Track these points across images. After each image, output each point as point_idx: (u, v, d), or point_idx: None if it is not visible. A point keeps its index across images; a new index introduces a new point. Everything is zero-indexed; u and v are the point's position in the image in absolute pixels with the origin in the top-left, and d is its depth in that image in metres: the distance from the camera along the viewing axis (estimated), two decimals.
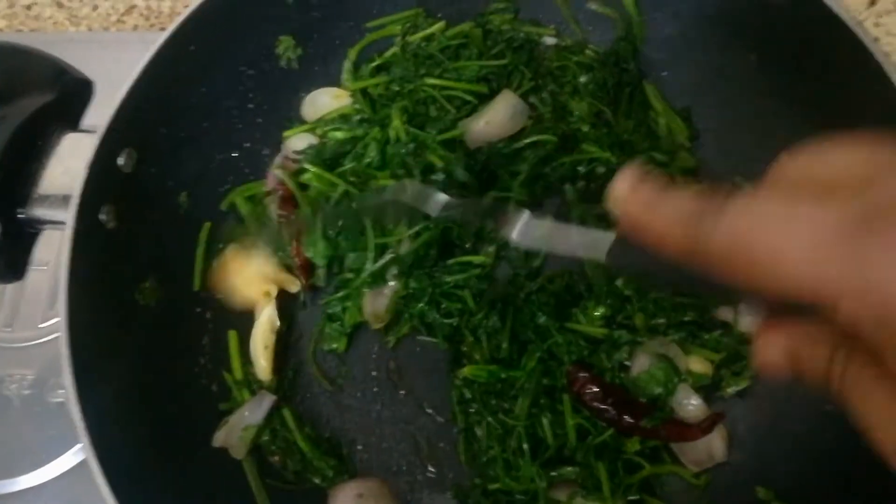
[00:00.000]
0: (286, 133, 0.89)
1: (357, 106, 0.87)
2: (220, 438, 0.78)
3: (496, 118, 0.84)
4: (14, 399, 0.93)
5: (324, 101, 0.89)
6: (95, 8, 1.26)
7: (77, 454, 0.90)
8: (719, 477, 0.78)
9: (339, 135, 0.86)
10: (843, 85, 0.73)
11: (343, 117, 0.87)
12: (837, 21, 0.70)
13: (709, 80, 0.87)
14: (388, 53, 0.90)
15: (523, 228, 0.53)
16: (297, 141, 0.88)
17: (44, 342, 0.95)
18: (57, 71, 0.74)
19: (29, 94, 0.72)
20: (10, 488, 0.89)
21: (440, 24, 0.90)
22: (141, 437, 0.71)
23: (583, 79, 0.88)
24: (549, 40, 0.92)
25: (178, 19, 0.76)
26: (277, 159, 0.88)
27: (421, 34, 0.90)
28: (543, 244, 0.55)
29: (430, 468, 0.82)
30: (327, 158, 0.85)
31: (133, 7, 1.26)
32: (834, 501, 0.71)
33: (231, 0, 0.79)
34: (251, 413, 0.79)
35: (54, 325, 0.96)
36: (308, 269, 0.84)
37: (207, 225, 0.84)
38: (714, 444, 0.78)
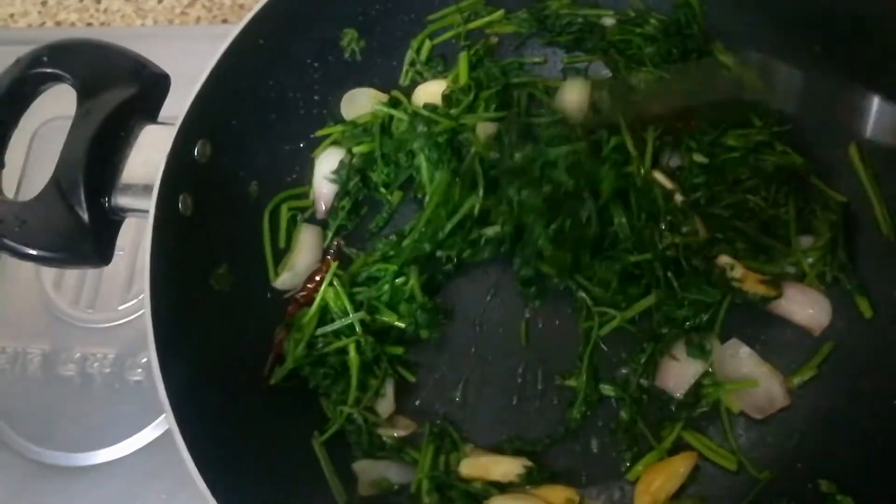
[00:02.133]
0: (316, 151, 0.90)
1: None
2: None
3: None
4: (96, 377, 0.99)
5: (361, 102, 0.91)
6: (160, 1, 1.32)
7: (154, 430, 0.95)
8: (782, 469, 0.78)
9: (363, 148, 0.87)
10: None
11: (366, 131, 0.88)
12: None
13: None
14: (446, 36, 0.92)
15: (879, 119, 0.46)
16: (327, 159, 0.89)
17: (123, 323, 1.01)
18: (137, 66, 0.78)
19: (111, 88, 0.77)
20: (92, 460, 0.95)
21: (500, 13, 0.91)
22: (220, 411, 0.74)
23: (648, 50, 0.88)
24: (608, 21, 0.91)
25: (248, 15, 0.79)
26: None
27: (480, 21, 0.91)
28: None
29: None
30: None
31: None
32: None
33: None
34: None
35: (132, 307, 1.02)
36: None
37: (266, 217, 0.87)
38: (773, 389, 0.79)
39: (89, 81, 0.76)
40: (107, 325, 1.01)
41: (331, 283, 0.82)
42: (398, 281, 0.81)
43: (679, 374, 0.80)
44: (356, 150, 0.87)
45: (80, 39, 0.78)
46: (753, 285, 0.80)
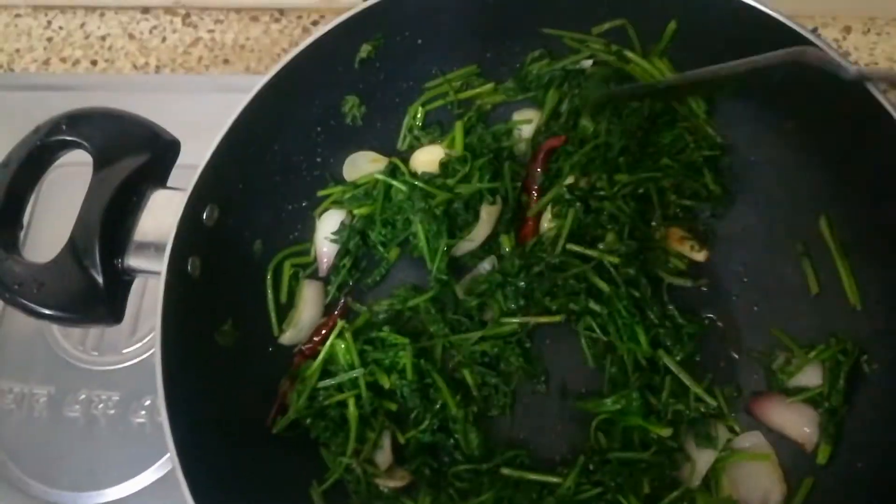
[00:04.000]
0: (317, 211, 0.95)
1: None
2: None
3: None
4: (101, 418, 1.02)
5: (362, 164, 0.95)
6: (164, 40, 1.36)
7: (156, 471, 0.99)
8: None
9: (363, 211, 0.92)
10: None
11: (367, 193, 0.93)
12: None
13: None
14: (440, 103, 0.98)
15: None
16: (329, 220, 0.94)
17: (127, 366, 1.05)
18: (151, 134, 0.82)
19: (126, 155, 0.81)
20: (95, 500, 0.98)
21: (490, 86, 0.97)
22: (222, 459, 0.78)
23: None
24: (586, 63, 0.96)
25: (256, 87, 0.83)
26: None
27: (471, 92, 0.97)
28: None
29: None
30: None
31: (198, 39, 1.35)
32: None
33: (303, 65, 0.85)
34: None
35: (136, 350, 1.06)
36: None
37: (269, 274, 0.91)
38: (772, 491, 0.81)
39: (106, 149, 0.80)
40: (111, 367, 1.05)
41: (340, 336, 0.86)
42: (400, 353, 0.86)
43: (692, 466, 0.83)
44: (357, 212, 0.92)
45: (99, 109, 0.82)
46: (677, 243, 0.86)
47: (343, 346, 0.86)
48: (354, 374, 0.85)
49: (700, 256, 0.90)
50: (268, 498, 0.83)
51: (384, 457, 0.86)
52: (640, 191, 0.89)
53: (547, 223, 0.90)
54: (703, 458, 0.83)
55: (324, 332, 0.90)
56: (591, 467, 0.81)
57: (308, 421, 0.86)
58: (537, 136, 0.96)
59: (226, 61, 1.34)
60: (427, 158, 0.92)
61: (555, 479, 0.81)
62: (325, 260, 0.93)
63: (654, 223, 0.89)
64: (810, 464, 0.82)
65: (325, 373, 0.87)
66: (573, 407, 0.87)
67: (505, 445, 0.86)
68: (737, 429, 0.85)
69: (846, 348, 0.81)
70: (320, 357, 0.87)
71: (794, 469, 0.83)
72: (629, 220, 0.86)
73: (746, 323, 0.89)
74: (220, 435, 0.80)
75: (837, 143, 0.84)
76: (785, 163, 0.89)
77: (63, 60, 1.37)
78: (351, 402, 0.85)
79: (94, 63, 1.37)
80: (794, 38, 0.77)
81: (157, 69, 1.35)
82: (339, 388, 0.86)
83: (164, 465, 0.99)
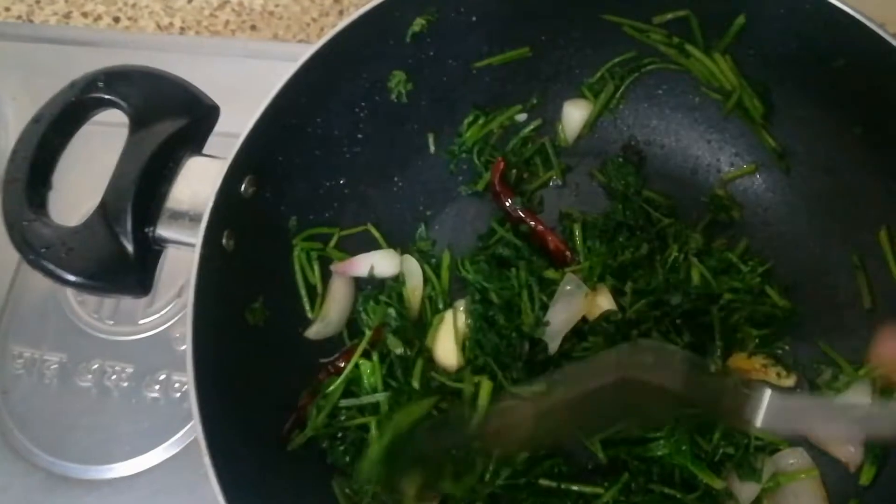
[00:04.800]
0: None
1: None
2: None
3: None
4: (113, 390, 0.99)
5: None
6: (190, 1, 1.31)
7: (168, 449, 0.95)
8: None
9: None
10: None
11: None
12: None
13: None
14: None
15: (771, 411, 0.46)
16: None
17: (143, 338, 1.01)
18: (191, 97, 0.78)
19: (164, 118, 0.77)
20: (104, 475, 0.95)
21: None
22: (248, 440, 0.75)
23: None
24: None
25: (304, 55, 0.79)
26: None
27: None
28: (799, 426, 0.48)
29: None
30: None
31: (226, 2, 1.31)
32: None
33: (354, 36, 0.81)
34: None
35: (153, 322, 1.02)
36: None
37: (297, 251, 0.87)
38: None
39: (143, 110, 0.76)
40: (127, 338, 1.01)
41: (366, 356, 0.83)
42: None
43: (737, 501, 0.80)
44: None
45: (137, 67, 0.78)
46: (760, 373, 0.82)
47: (368, 368, 0.83)
48: (378, 397, 0.81)
49: (789, 382, 0.84)
50: (290, 482, 0.80)
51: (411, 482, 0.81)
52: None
53: None
54: (746, 493, 0.80)
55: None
56: (633, 486, 0.78)
57: (325, 443, 0.83)
58: None
59: (253, 27, 1.29)
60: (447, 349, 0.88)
61: (597, 490, 0.78)
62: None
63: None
64: (854, 484, 0.79)
65: (349, 393, 0.84)
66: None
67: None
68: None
69: None
70: (344, 374, 0.83)
71: (837, 489, 0.80)
72: None
73: (793, 336, 0.86)
74: (246, 415, 0.76)
75: None
76: (847, 171, 0.86)
77: (84, 15, 1.32)
78: (373, 426, 0.81)
79: (116, 20, 1.32)
80: (875, 42, 0.73)
81: (182, 31, 1.30)
82: (361, 410, 0.82)
83: (177, 442, 0.95)
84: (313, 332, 0.87)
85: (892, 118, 0.79)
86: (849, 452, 0.80)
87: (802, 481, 0.80)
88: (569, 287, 0.84)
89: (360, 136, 0.90)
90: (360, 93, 0.88)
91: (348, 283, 0.90)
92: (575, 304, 0.83)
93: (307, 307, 0.87)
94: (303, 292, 0.87)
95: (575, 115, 0.96)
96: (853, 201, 0.86)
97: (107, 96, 0.76)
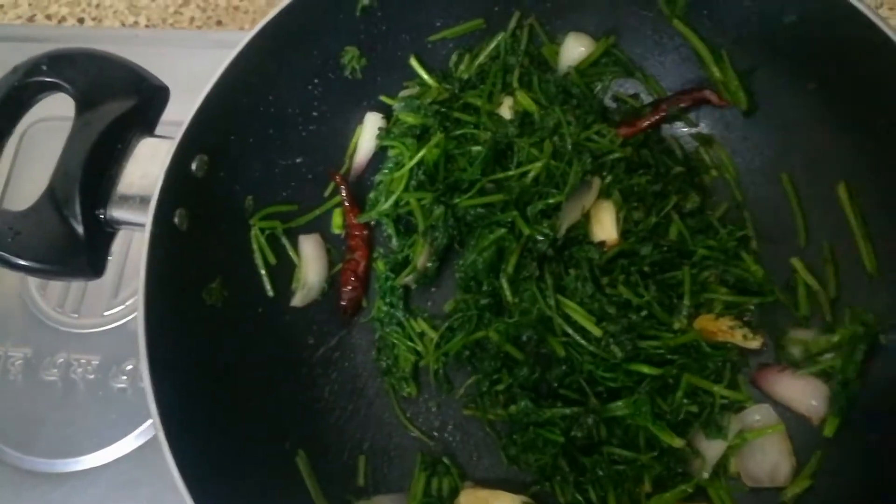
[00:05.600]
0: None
1: None
2: None
3: None
4: (80, 383, 0.98)
5: None
6: None
7: (137, 438, 0.95)
8: None
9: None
10: None
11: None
12: None
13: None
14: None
15: None
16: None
17: (108, 329, 1.00)
18: (137, 78, 0.78)
19: (110, 99, 0.76)
20: (73, 467, 0.94)
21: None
22: (207, 423, 0.74)
23: None
24: None
25: (252, 32, 0.79)
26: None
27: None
28: None
29: None
30: None
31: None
32: None
33: (303, 11, 0.81)
34: None
35: (118, 313, 1.01)
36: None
37: (255, 230, 0.86)
38: (782, 468, 0.78)
39: (88, 92, 0.75)
40: (92, 330, 1.00)
41: None
42: None
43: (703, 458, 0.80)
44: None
45: (81, 49, 0.77)
46: (727, 335, 0.81)
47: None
48: None
49: (755, 344, 0.83)
50: (254, 465, 0.79)
51: None
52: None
53: None
54: (713, 451, 0.80)
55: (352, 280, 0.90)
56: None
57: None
58: None
59: (219, 23, 1.29)
60: None
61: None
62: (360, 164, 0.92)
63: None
64: (819, 436, 0.79)
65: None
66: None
67: None
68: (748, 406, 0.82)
69: (866, 321, 0.78)
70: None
71: (803, 442, 0.80)
72: None
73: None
74: (205, 399, 0.75)
75: (860, 108, 0.80)
76: (804, 126, 0.85)
77: (49, 17, 1.32)
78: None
79: (80, 21, 1.31)
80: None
81: (147, 28, 1.29)
82: None
83: (146, 431, 0.94)
84: (298, 299, 0.88)
85: (843, 72, 0.79)
86: (812, 407, 0.79)
87: (769, 437, 0.79)
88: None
89: (315, 113, 0.90)
90: (313, 69, 0.88)
91: (318, 244, 0.90)
92: (585, 197, 0.83)
93: (267, 286, 0.86)
94: (262, 271, 0.86)
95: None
96: (812, 158, 0.86)
97: (50, 79, 0.75)
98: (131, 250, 1.00)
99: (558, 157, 0.86)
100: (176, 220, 0.75)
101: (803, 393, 0.80)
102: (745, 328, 0.84)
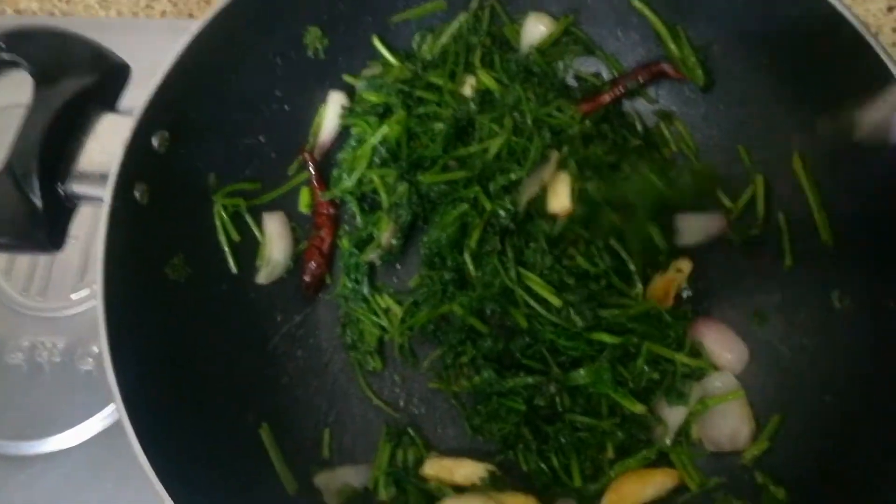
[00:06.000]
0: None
1: None
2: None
3: None
4: (45, 365, 0.97)
5: None
6: None
7: (103, 420, 0.95)
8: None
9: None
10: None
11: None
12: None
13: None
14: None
15: None
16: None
17: (74, 313, 1.00)
18: (96, 55, 0.78)
19: (70, 76, 0.76)
20: (39, 449, 0.94)
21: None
22: (170, 403, 0.74)
23: None
24: None
25: (212, 9, 0.79)
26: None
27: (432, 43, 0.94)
28: None
29: None
30: None
31: None
32: None
33: None
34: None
35: (84, 297, 1.01)
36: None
37: (217, 207, 0.86)
38: (741, 433, 0.80)
39: (47, 69, 0.75)
40: (58, 313, 1.00)
41: None
42: None
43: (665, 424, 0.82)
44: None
45: (39, 26, 0.77)
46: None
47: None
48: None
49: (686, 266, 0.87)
50: (219, 442, 0.79)
51: None
52: None
53: None
54: (674, 417, 0.82)
55: (313, 263, 0.91)
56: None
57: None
58: None
59: (190, 15, 1.29)
60: None
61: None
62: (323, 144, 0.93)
63: None
64: (779, 400, 0.81)
65: None
66: None
67: None
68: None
69: None
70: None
71: (762, 406, 0.81)
72: None
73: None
74: (169, 378, 0.76)
75: (812, 82, 0.82)
76: (759, 101, 0.87)
77: (18, 12, 1.31)
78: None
79: (51, 15, 1.31)
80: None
81: (118, 16, 1.29)
82: None
83: (112, 414, 0.95)
84: (263, 276, 0.89)
85: (794, 46, 0.81)
86: (726, 360, 0.83)
87: (729, 403, 0.81)
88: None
89: (278, 93, 0.90)
90: (275, 49, 0.88)
91: (282, 221, 0.91)
92: (544, 171, 0.85)
93: (230, 262, 0.86)
94: (225, 248, 0.86)
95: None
96: (767, 130, 0.87)
97: (7, 56, 0.75)
98: (98, 233, 0.99)
99: (519, 134, 0.87)
100: (136, 194, 0.75)
101: (722, 346, 0.83)
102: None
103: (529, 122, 0.87)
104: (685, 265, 0.86)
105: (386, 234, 0.88)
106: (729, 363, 0.82)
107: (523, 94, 0.88)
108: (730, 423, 0.80)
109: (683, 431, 0.82)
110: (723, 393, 0.81)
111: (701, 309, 0.88)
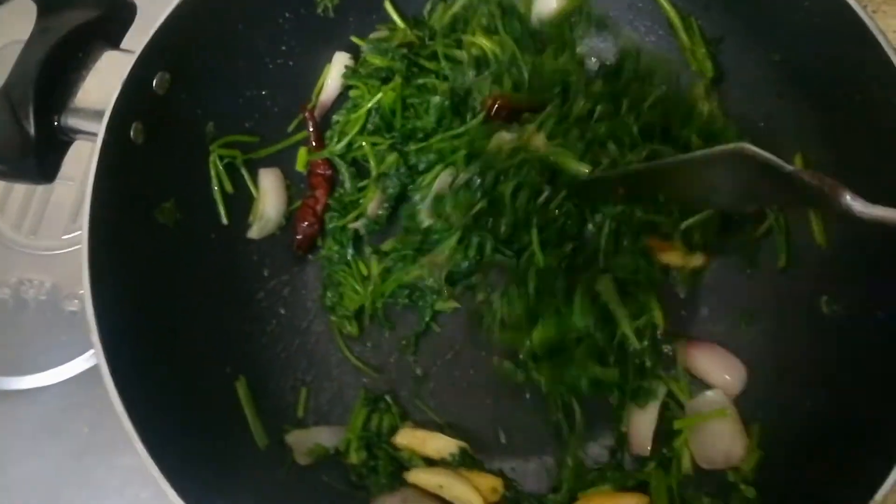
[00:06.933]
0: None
1: None
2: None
3: None
4: (30, 303, 0.97)
5: None
6: None
7: (85, 362, 0.94)
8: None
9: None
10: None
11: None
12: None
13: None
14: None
15: None
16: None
17: (64, 253, 1.00)
18: None
19: (74, 7, 0.76)
20: (17, 385, 0.94)
21: None
22: (148, 347, 0.74)
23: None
24: None
25: None
26: None
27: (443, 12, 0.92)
28: None
29: None
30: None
31: None
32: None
33: None
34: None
35: (76, 238, 1.00)
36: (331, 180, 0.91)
37: (213, 156, 0.85)
38: (735, 449, 0.78)
39: None
40: (48, 252, 1.00)
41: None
42: None
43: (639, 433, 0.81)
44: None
45: None
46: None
47: None
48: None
49: (698, 262, 0.85)
50: (195, 392, 0.78)
51: None
52: None
53: None
54: (646, 419, 0.81)
55: (305, 223, 0.90)
56: None
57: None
58: None
59: None
60: None
61: None
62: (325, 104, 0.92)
63: None
64: (766, 410, 0.80)
65: None
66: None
67: None
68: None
69: None
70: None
71: (745, 411, 0.80)
72: None
73: None
74: (149, 322, 0.75)
75: (821, 81, 0.81)
76: (767, 99, 0.86)
77: None
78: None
79: None
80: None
81: None
82: None
83: (92, 358, 0.94)
84: (255, 231, 0.88)
85: (808, 46, 0.79)
86: (725, 380, 0.81)
87: (720, 421, 0.79)
88: None
89: (284, 47, 0.90)
90: (285, 3, 0.88)
91: (277, 177, 0.90)
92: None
93: (221, 213, 0.86)
94: (217, 198, 0.86)
95: None
96: (771, 128, 0.86)
97: None
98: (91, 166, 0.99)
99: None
100: (131, 133, 0.74)
101: (719, 367, 0.82)
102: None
103: (525, 74, 0.86)
104: (697, 259, 0.85)
105: (373, 204, 0.88)
106: (727, 384, 0.81)
107: (517, 48, 0.87)
108: (724, 441, 0.78)
109: (676, 459, 0.80)
110: (712, 411, 0.80)
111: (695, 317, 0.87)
